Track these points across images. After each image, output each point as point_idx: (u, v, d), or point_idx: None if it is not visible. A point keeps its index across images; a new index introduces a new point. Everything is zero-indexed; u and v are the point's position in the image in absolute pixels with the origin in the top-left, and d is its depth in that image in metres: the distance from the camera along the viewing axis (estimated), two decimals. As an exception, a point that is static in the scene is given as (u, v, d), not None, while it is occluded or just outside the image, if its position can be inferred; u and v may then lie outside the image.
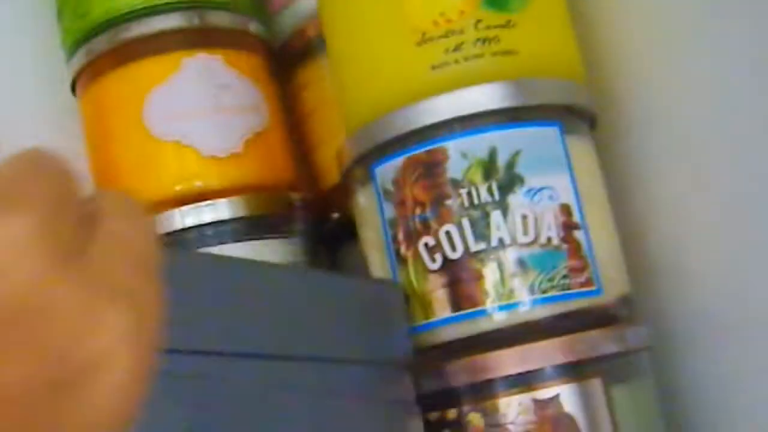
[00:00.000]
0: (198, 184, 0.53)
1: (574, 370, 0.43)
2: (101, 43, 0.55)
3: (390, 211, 0.45)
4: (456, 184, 0.44)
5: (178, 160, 0.53)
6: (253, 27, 0.57)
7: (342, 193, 0.57)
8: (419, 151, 0.45)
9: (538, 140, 0.45)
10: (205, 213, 0.53)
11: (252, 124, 0.54)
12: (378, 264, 0.47)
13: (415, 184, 0.45)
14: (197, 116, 0.53)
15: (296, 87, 0.60)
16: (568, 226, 0.44)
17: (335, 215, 0.58)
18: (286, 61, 0.60)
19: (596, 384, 0.43)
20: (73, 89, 0.58)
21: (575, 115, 0.46)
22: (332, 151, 0.58)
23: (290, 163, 0.57)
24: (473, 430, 0.43)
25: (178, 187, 0.53)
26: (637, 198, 0.50)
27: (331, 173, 0.58)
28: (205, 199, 0.53)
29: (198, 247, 0.53)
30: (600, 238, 0.45)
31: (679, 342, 0.48)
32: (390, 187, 0.45)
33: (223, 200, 0.53)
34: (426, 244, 0.44)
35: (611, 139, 0.49)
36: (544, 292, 0.43)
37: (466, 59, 0.45)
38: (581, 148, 0.46)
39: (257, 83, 0.56)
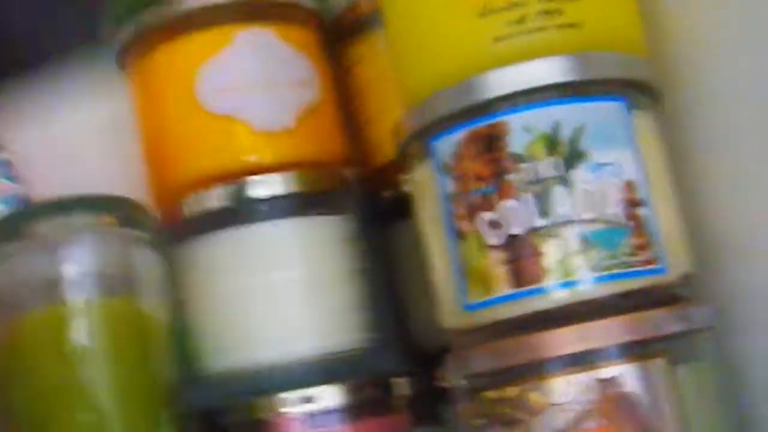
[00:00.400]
0: (250, 159, 0.53)
1: (636, 350, 0.42)
2: (151, 16, 0.55)
3: (449, 185, 0.45)
4: (518, 158, 0.43)
5: (231, 135, 0.53)
6: (306, 1, 0.56)
7: (394, 170, 0.57)
8: (480, 124, 0.44)
9: (602, 115, 0.44)
10: (256, 188, 0.52)
11: (305, 99, 0.54)
12: (436, 239, 0.46)
13: (475, 158, 0.44)
14: (250, 90, 0.53)
15: (348, 63, 0.59)
16: (633, 203, 0.43)
17: (387, 193, 0.57)
18: (338, 36, 0.59)
19: (659, 364, 0.43)
20: (120, 63, 0.57)
21: (640, 91, 0.45)
22: (384, 127, 0.57)
23: (343, 139, 0.56)
24: (533, 409, 0.42)
25: (229, 162, 0.53)
26: (701, 175, 0.49)
27: (382, 150, 0.58)
28: (257, 175, 0.52)
29: (249, 223, 0.52)
30: (664, 216, 0.44)
31: (741, 322, 0.47)
32: (449, 161, 0.45)
33: (275, 175, 0.52)
34: (486, 220, 0.43)
35: (676, 115, 0.48)
36: (607, 269, 0.42)
37: (529, 32, 0.44)
38: (646, 124, 0.45)
39: (310, 58, 0.55)
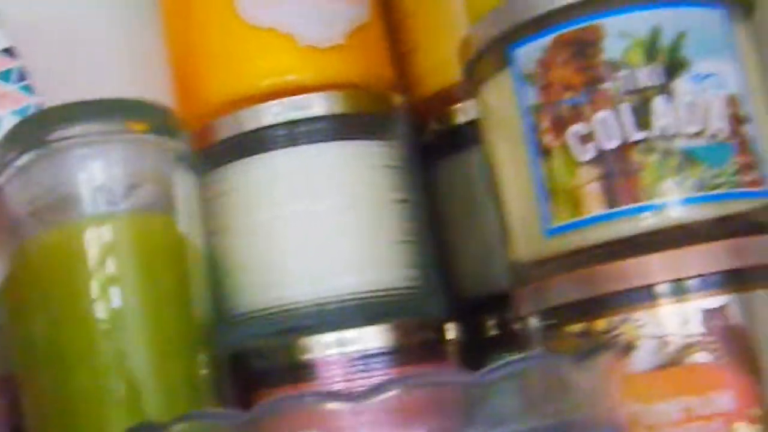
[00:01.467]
0: (292, 77, 0.48)
1: (741, 279, 0.38)
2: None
3: (533, 96, 0.40)
4: (613, 65, 0.39)
5: (273, 50, 0.48)
6: None
7: (441, 102, 0.53)
8: (571, 28, 0.40)
9: (704, 22, 0.40)
10: (298, 108, 0.48)
11: (355, 16, 0.49)
12: (513, 159, 0.42)
13: (565, 66, 0.40)
14: (296, 2, 0.48)
15: (392, -14, 0.55)
16: (737, 119, 0.39)
17: (433, 126, 0.53)
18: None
19: (764, 295, 0.39)
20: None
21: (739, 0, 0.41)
22: (430, 57, 0.54)
23: (390, 63, 0.52)
24: (626, 342, 0.38)
25: (268, 80, 0.48)
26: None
27: (427, 81, 0.54)
28: (298, 94, 0.48)
29: (288, 146, 0.48)
30: (765, 134, 0.40)
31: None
32: (533, 69, 0.40)
33: (317, 95, 0.48)
34: (577, 133, 0.39)
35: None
36: (713, 188, 0.38)
37: (621, -75, 0.40)
38: (744, 36, 0.41)
39: (359, -28, 0.51)
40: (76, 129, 0.43)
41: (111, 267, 0.42)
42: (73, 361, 0.42)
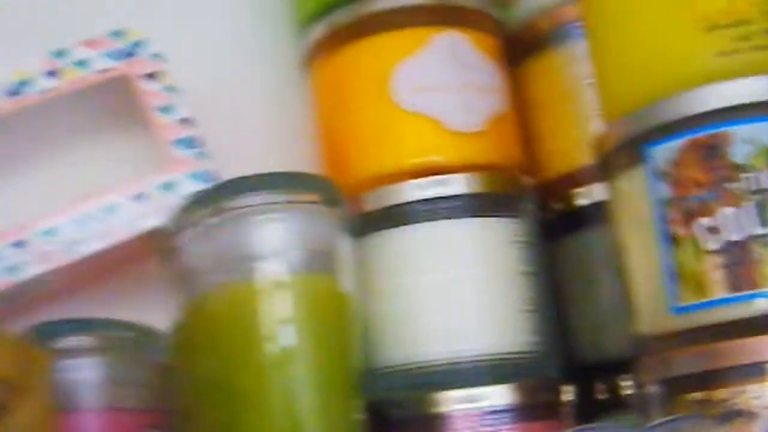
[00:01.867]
0: (436, 158, 0.54)
1: None
2: (344, 15, 0.56)
3: (665, 191, 0.46)
4: (739, 168, 0.45)
5: (422, 133, 0.54)
6: (495, 12, 0.58)
7: (565, 184, 0.58)
8: (703, 134, 0.45)
9: (820, 134, 0.45)
10: (440, 186, 0.53)
11: (494, 106, 0.55)
12: (641, 246, 0.47)
13: (696, 166, 0.45)
14: (445, 91, 0.54)
15: (522, 78, 0.61)
16: None
17: (556, 205, 0.58)
18: (514, 51, 0.60)
19: None
20: (306, 59, 0.59)
21: None
22: (555, 143, 0.59)
23: (522, 148, 0.57)
24: (741, 410, 0.43)
25: (415, 160, 0.54)
26: None
27: (552, 164, 0.59)
28: (441, 174, 0.54)
29: (429, 220, 0.53)
30: None
31: None
32: (667, 167, 0.46)
33: (459, 175, 0.54)
34: (704, 225, 0.45)
35: None
36: (824, 281, 0.43)
37: (753, 49, 0.46)
38: None
39: (498, 67, 0.57)
40: (258, 198, 0.49)
41: (282, 318, 0.48)
42: (243, 402, 0.47)
